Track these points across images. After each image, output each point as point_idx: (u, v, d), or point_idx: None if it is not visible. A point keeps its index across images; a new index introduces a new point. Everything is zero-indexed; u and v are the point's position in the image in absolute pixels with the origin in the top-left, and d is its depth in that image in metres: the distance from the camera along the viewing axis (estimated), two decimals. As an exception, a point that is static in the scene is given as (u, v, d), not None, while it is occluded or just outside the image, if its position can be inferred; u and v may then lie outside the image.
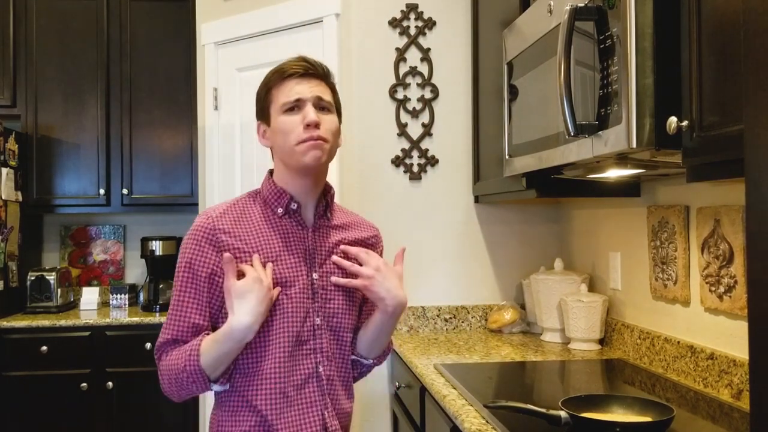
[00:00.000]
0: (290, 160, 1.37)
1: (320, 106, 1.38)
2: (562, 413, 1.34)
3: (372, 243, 1.53)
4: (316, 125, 1.34)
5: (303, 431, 1.35)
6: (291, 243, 1.39)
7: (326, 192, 1.46)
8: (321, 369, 1.39)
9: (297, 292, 1.37)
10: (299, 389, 1.36)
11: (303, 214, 1.42)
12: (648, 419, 1.36)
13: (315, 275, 1.41)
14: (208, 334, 1.33)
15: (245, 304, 1.27)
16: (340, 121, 1.43)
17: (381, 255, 1.53)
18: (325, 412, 1.38)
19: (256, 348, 1.34)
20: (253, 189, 1.48)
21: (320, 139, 1.35)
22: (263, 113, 1.42)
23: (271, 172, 1.46)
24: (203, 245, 1.34)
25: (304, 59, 1.42)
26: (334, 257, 1.42)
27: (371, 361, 1.53)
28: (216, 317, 1.36)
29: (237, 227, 1.37)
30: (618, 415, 1.40)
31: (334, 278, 1.41)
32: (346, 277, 1.42)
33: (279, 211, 1.40)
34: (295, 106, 1.36)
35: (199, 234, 1.35)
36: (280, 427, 1.33)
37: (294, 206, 1.40)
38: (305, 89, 1.37)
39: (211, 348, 1.29)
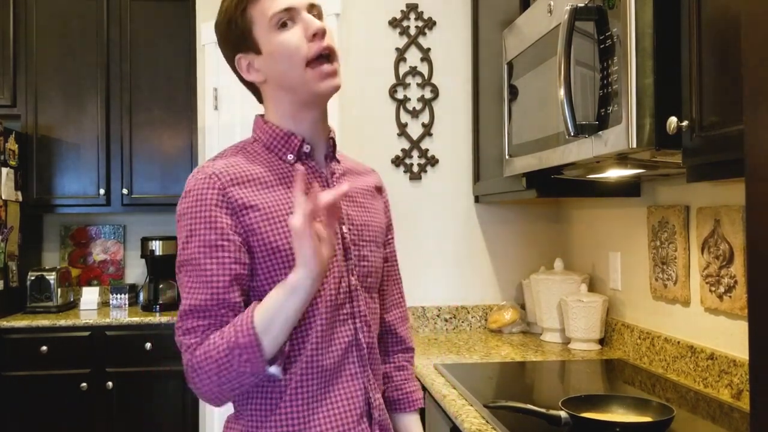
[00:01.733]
0: (301, 89, 1.13)
1: (314, 13, 1.16)
2: (562, 413, 1.34)
3: (380, 188, 1.37)
4: (323, 34, 1.12)
5: (345, 409, 1.15)
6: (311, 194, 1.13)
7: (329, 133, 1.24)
8: (361, 336, 1.18)
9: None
10: (339, 362, 1.15)
11: (316, 157, 1.20)
12: (648, 419, 1.36)
13: (345, 228, 1.19)
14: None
15: (309, 246, 1.00)
16: None
17: (386, 194, 1.39)
18: (368, 385, 1.19)
19: None
20: (238, 142, 1.24)
21: (331, 54, 1.13)
22: (244, 41, 1.15)
23: (256, 120, 1.23)
24: (214, 210, 1.08)
25: None
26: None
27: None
28: (259, 283, 1.11)
29: (247, 183, 1.12)
30: (618, 415, 1.40)
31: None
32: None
33: (289, 157, 1.17)
34: (289, 19, 1.12)
35: (207, 196, 1.09)
36: (321, 409, 1.13)
37: (307, 149, 1.18)
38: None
39: (269, 309, 1.03)
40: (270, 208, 1.12)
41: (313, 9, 1.16)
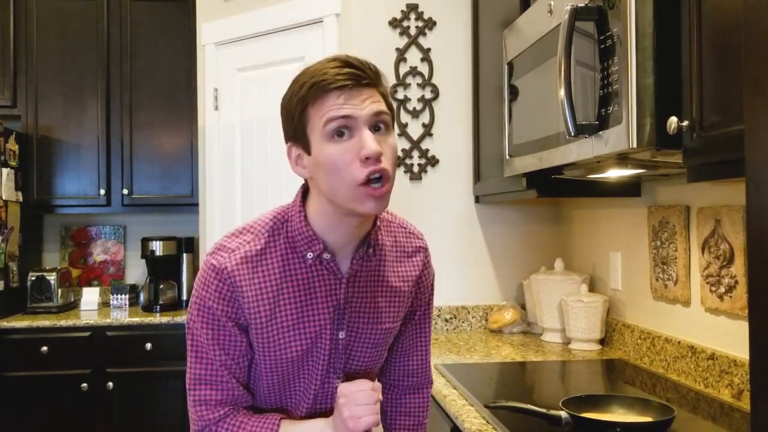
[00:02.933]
0: (343, 204, 1.07)
1: (377, 124, 1.06)
2: (563, 413, 1.34)
3: (424, 269, 1.31)
4: (377, 158, 1.03)
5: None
6: (318, 297, 1.16)
7: (372, 227, 1.19)
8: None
9: (317, 354, 1.18)
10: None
11: (338, 260, 1.16)
12: (648, 419, 1.36)
13: (341, 334, 1.19)
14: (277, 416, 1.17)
15: (356, 408, 1.10)
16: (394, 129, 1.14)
17: (429, 275, 1.34)
18: None
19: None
20: (280, 210, 1.19)
21: (384, 176, 1.04)
22: (297, 135, 1.09)
23: (305, 191, 1.17)
24: (220, 299, 1.13)
25: (347, 62, 1.07)
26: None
27: None
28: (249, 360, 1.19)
29: (256, 278, 1.13)
30: (618, 415, 1.40)
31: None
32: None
33: (309, 256, 1.14)
34: (345, 129, 1.04)
35: (219, 286, 1.13)
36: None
37: (327, 257, 1.14)
38: (356, 105, 1.04)
39: None
40: (269, 303, 1.14)
41: (379, 117, 1.06)
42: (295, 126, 1.08)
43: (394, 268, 1.25)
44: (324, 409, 1.23)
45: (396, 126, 2.68)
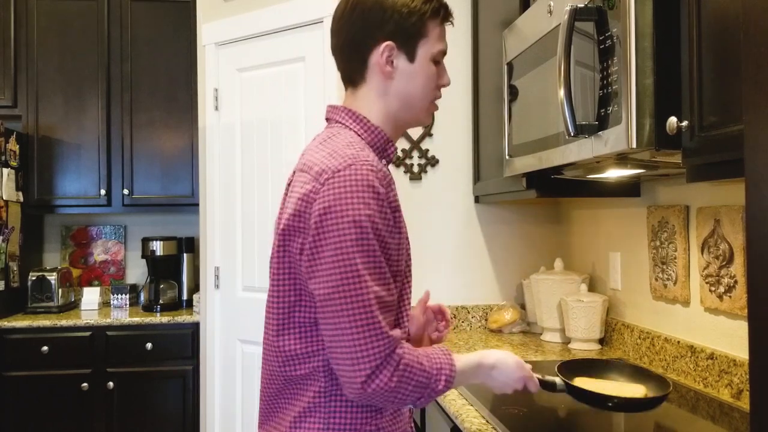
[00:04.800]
0: (408, 109, 1.23)
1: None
2: (557, 380, 1.31)
3: None
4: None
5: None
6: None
7: None
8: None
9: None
10: None
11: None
12: (642, 390, 1.34)
13: None
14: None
15: (512, 362, 1.21)
16: None
17: None
18: None
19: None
20: (339, 134, 1.18)
21: None
22: (407, 39, 1.18)
23: (352, 113, 1.21)
24: (386, 213, 1.07)
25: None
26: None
27: None
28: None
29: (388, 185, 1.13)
30: (614, 384, 1.38)
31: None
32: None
33: (383, 162, 1.22)
34: (441, 60, 1.24)
35: (382, 199, 1.07)
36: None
37: (394, 158, 1.27)
38: (446, 44, 1.25)
39: (468, 374, 1.18)
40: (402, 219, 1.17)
41: None
42: (410, 29, 1.18)
43: None
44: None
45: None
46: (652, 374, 1.39)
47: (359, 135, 1.19)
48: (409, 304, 1.22)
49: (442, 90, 2.71)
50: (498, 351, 1.24)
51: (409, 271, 1.20)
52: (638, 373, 1.40)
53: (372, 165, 1.07)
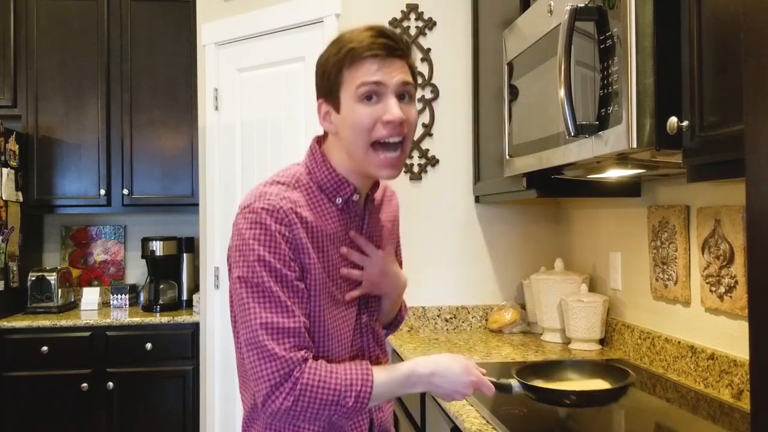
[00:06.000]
0: (359, 162, 1.19)
1: (402, 93, 1.17)
2: (513, 381, 1.30)
3: (397, 207, 1.45)
4: (398, 124, 1.14)
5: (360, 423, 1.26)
6: (347, 238, 1.25)
7: None
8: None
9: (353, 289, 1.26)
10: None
11: (359, 202, 1.27)
12: (602, 383, 1.33)
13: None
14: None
15: (457, 367, 1.20)
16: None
17: (398, 213, 1.46)
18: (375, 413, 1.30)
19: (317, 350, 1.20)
20: (292, 166, 1.26)
21: (403, 142, 1.17)
22: (329, 93, 1.18)
23: (318, 142, 1.25)
24: (277, 248, 1.12)
25: (383, 33, 1.16)
26: (343, 249, 1.24)
27: (385, 330, 1.44)
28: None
29: (303, 220, 1.16)
30: (572, 382, 1.37)
31: (344, 270, 1.24)
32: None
33: (338, 201, 1.22)
34: (374, 94, 1.14)
35: (277, 229, 1.12)
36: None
37: (356, 198, 1.24)
38: (387, 73, 1.13)
39: (386, 388, 1.16)
40: (323, 253, 1.18)
41: (405, 87, 1.17)
42: (329, 85, 1.18)
43: (384, 210, 1.38)
44: (359, 349, 1.26)
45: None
46: (612, 367, 1.38)
47: (309, 170, 1.23)
48: (340, 323, 1.22)
49: (444, 92, 2.72)
50: (442, 356, 1.22)
51: (337, 293, 1.22)
52: (596, 369, 1.39)
53: (269, 204, 1.13)
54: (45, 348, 3.19)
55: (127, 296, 3.65)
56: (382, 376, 1.16)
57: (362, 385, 1.12)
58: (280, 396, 1.09)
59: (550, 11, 1.66)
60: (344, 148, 1.19)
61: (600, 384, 1.35)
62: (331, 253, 1.20)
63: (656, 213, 1.98)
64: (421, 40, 2.70)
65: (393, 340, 2.46)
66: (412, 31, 2.70)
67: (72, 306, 3.64)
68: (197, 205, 3.38)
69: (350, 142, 1.17)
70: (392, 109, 1.13)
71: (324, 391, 1.10)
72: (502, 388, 1.28)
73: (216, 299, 3.08)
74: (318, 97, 1.22)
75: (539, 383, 1.33)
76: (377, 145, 1.15)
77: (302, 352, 1.11)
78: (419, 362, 1.21)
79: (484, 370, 1.26)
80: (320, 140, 1.27)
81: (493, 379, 1.27)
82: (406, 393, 1.21)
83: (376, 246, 1.30)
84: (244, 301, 1.12)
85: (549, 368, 1.43)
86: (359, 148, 1.16)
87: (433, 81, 2.70)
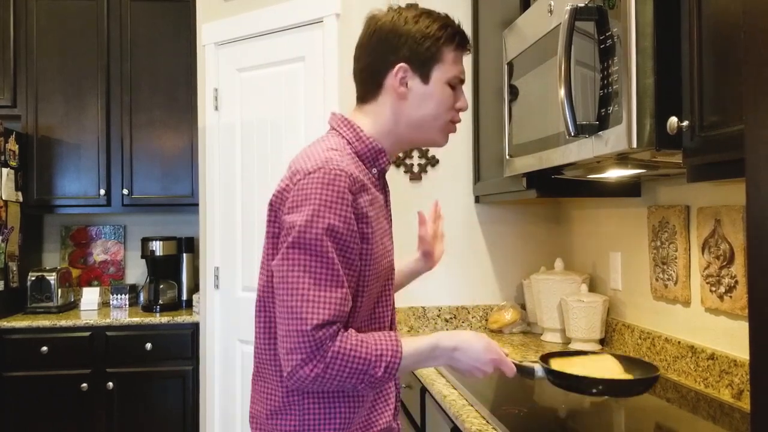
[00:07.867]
0: (420, 130, 1.28)
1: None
2: (536, 366, 1.29)
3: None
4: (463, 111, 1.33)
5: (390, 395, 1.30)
6: (385, 205, 1.30)
7: None
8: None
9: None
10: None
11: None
12: (619, 368, 1.32)
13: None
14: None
15: (478, 344, 1.21)
16: None
17: None
18: None
19: (370, 320, 1.24)
20: (322, 141, 1.25)
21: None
22: (422, 62, 1.24)
23: (346, 121, 1.27)
24: (346, 213, 1.12)
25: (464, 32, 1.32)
26: (421, 212, 1.48)
27: None
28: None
29: (372, 189, 1.20)
30: (601, 371, 1.36)
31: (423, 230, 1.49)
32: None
33: (374, 171, 1.26)
34: (460, 83, 1.30)
35: (347, 195, 1.12)
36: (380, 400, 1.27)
37: (387, 168, 1.30)
38: (463, 69, 1.31)
39: (415, 360, 1.18)
40: (377, 221, 1.20)
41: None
42: (426, 55, 1.24)
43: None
44: (391, 321, 1.28)
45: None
46: (641, 362, 1.37)
47: (349, 142, 1.25)
48: (387, 305, 1.26)
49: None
50: (466, 332, 1.23)
51: (387, 275, 1.24)
52: (627, 363, 1.37)
53: (341, 169, 1.13)
54: (45, 348, 3.19)
55: (127, 296, 3.65)
56: (409, 347, 1.17)
57: (392, 356, 1.13)
58: (311, 363, 1.08)
59: (550, 11, 1.66)
60: (408, 117, 1.26)
61: (617, 369, 1.32)
62: (382, 222, 1.23)
63: (656, 213, 1.98)
64: (421, 40, 2.70)
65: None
66: (412, 31, 2.69)
67: (72, 306, 3.64)
68: (197, 205, 3.38)
69: (427, 113, 1.26)
70: (466, 104, 1.31)
71: (355, 360, 1.10)
72: (525, 371, 1.28)
73: (216, 299, 3.08)
74: (400, 60, 1.24)
75: (559, 365, 1.31)
76: (450, 123, 1.30)
77: (338, 324, 1.11)
78: (442, 336, 1.22)
79: (507, 351, 1.26)
80: (346, 116, 1.30)
81: (516, 361, 1.27)
82: (428, 366, 1.22)
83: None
84: (295, 266, 1.10)
85: (572, 357, 1.41)
86: (438, 119, 1.27)
87: (433, 81, 2.70)
